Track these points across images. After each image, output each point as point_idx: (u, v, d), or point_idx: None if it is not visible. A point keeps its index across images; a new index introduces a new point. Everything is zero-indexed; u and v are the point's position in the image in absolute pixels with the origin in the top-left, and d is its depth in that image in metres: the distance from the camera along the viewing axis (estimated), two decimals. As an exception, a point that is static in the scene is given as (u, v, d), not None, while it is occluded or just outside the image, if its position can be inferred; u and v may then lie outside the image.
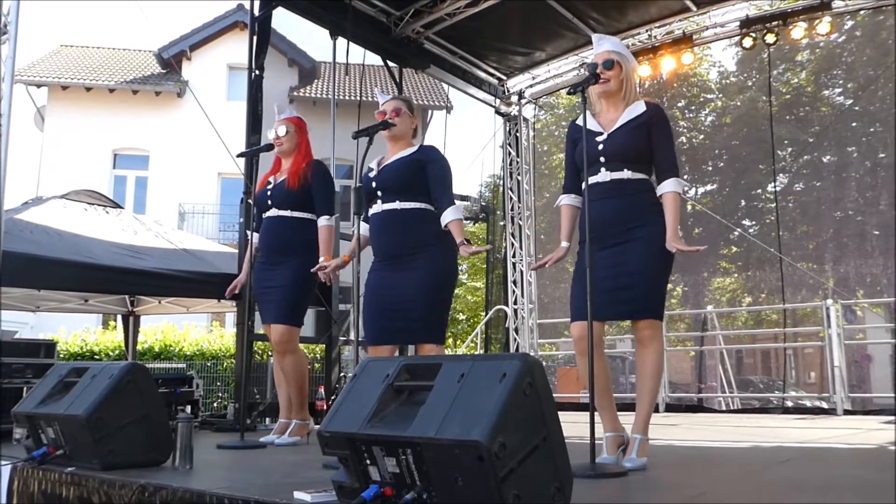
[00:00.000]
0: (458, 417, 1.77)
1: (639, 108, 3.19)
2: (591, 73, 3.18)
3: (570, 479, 1.89)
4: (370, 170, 3.73)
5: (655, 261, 3.08)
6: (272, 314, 4.32)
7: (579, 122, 3.33)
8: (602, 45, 3.27)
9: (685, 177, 11.88)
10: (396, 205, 3.56)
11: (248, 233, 4.63)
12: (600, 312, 3.04)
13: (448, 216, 3.53)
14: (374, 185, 3.63)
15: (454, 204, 3.58)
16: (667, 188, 3.14)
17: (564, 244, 3.37)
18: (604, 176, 3.14)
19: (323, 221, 4.31)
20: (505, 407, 1.74)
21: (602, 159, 3.14)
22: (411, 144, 3.75)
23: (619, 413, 3.20)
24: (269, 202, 4.38)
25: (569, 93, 3.17)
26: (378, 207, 3.61)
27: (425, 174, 3.60)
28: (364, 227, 3.74)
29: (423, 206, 3.58)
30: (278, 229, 4.35)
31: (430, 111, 17.73)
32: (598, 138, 3.18)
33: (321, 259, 4.19)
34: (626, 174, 3.12)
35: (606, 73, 3.18)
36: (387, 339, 3.59)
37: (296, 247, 4.30)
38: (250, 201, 5.43)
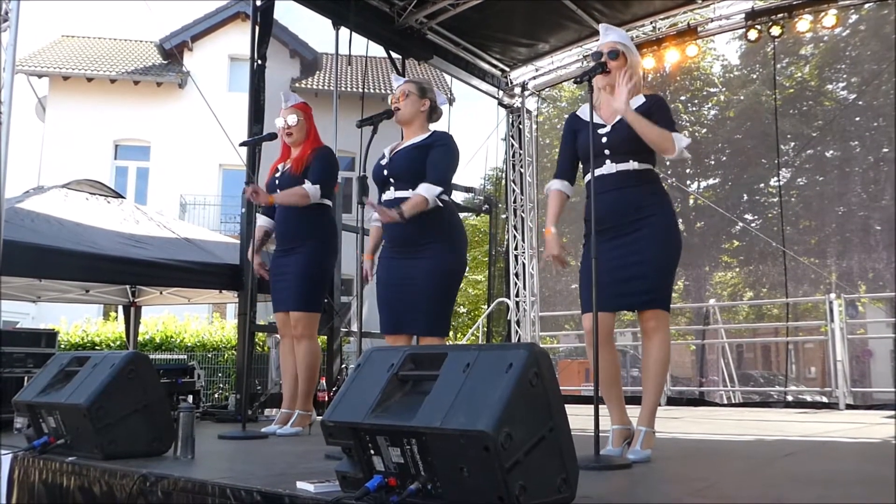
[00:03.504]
0: (464, 407, 1.75)
1: (639, 99, 3.15)
2: (597, 61, 3.14)
3: (576, 470, 1.87)
4: (382, 156, 3.68)
5: (663, 252, 3.05)
6: (288, 301, 4.30)
7: (579, 113, 3.30)
8: (608, 36, 3.24)
9: (688, 171, 11.85)
10: (409, 193, 3.50)
11: (255, 217, 4.57)
12: (609, 304, 3.02)
13: (419, 189, 3.43)
14: (385, 172, 3.60)
15: (434, 183, 3.44)
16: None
17: (553, 229, 3.25)
18: (609, 168, 3.10)
19: (307, 185, 4.21)
20: (511, 397, 1.72)
21: (606, 151, 3.10)
22: (425, 129, 3.69)
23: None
24: (278, 191, 4.36)
25: (576, 82, 3.13)
26: (391, 195, 3.57)
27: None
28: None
29: None
30: (289, 217, 4.33)
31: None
32: (601, 130, 3.14)
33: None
34: (632, 165, 3.08)
35: (611, 64, 3.14)
36: (400, 329, 3.58)
37: (307, 233, 4.28)
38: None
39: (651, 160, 3.15)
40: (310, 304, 4.33)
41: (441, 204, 3.53)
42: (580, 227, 3.25)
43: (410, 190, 3.50)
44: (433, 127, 3.76)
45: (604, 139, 3.12)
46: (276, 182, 4.38)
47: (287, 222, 4.36)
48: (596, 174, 3.10)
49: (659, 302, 3.06)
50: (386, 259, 3.64)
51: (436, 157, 3.54)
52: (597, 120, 3.16)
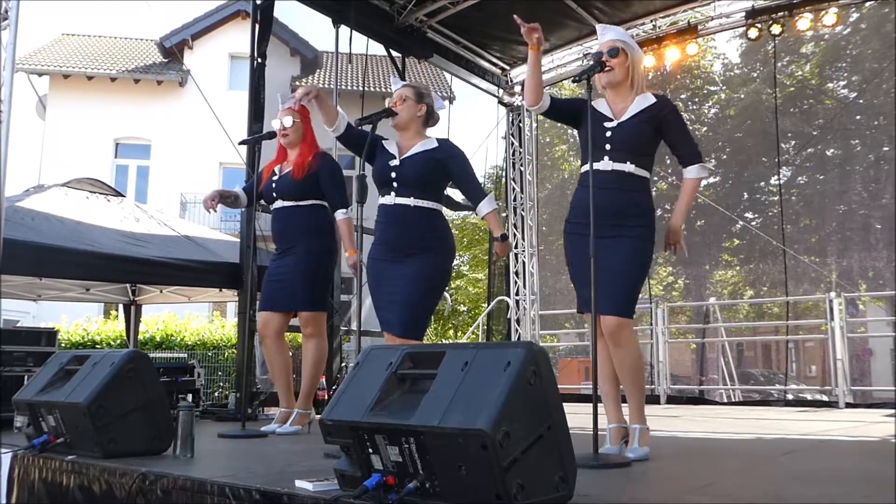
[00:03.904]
0: (462, 406, 1.76)
1: (648, 99, 3.14)
2: (597, 61, 3.13)
3: (574, 468, 1.88)
4: (391, 155, 3.63)
5: (634, 262, 3.04)
6: (294, 302, 4.28)
7: (594, 104, 3.21)
8: (606, 35, 3.23)
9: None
10: (410, 201, 3.53)
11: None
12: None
13: (484, 209, 3.59)
14: (393, 174, 3.58)
15: (487, 195, 3.62)
16: (689, 174, 3.16)
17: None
18: (606, 165, 3.07)
19: (340, 216, 4.25)
20: (509, 396, 1.72)
21: (608, 146, 3.08)
22: (422, 134, 3.70)
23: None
24: (275, 194, 4.35)
25: (574, 81, 3.13)
26: (391, 199, 3.57)
27: (447, 171, 3.61)
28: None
29: (434, 205, 3.59)
30: (287, 219, 4.32)
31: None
32: (608, 124, 3.12)
33: (346, 254, 4.15)
34: (628, 167, 3.06)
35: (612, 62, 3.13)
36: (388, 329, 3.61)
37: (305, 232, 4.26)
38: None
39: (647, 167, 3.13)
40: (317, 304, 4.33)
41: (438, 208, 3.62)
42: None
43: (413, 198, 3.53)
44: (430, 132, 3.77)
45: (608, 133, 3.10)
46: (273, 185, 4.36)
47: (284, 222, 4.34)
48: (592, 166, 3.09)
49: (622, 310, 3.01)
50: (373, 260, 3.65)
51: (464, 174, 3.66)
52: (607, 112, 3.17)
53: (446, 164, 3.60)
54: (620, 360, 3.06)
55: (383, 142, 3.70)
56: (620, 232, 3.03)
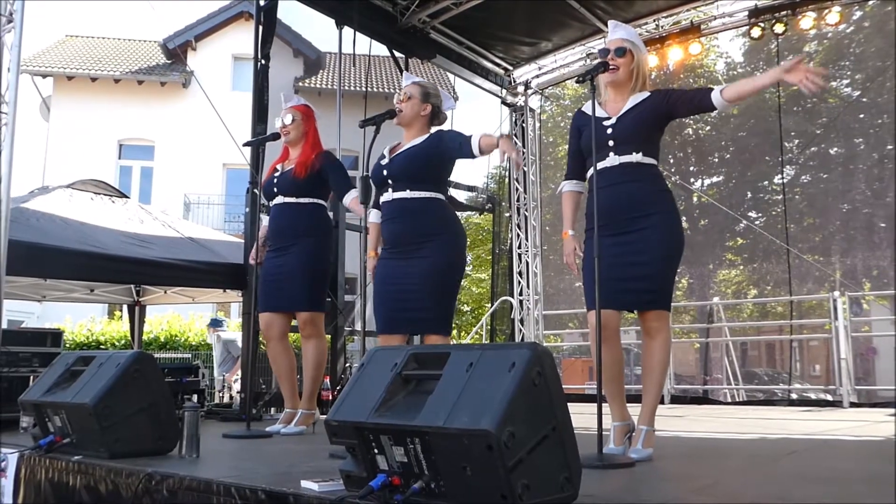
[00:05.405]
0: (467, 407, 1.76)
1: (642, 95, 3.15)
2: (602, 57, 3.15)
3: (578, 469, 1.88)
4: (382, 157, 3.69)
5: (664, 251, 3.04)
6: (292, 302, 4.28)
7: (584, 108, 3.28)
8: (616, 32, 3.23)
9: (691, 168, 11.84)
10: (406, 194, 3.54)
11: (258, 217, 4.59)
12: (613, 301, 3.02)
13: (474, 138, 3.44)
14: (384, 173, 3.60)
15: (472, 135, 3.46)
16: (717, 91, 3.01)
17: (570, 232, 3.31)
18: (612, 160, 3.09)
19: (353, 194, 4.15)
20: (514, 396, 1.73)
21: (611, 143, 3.09)
22: (425, 132, 3.68)
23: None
24: (275, 190, 4.35)
25: (578, 81, 3.13)
26: (388, 196, 3.59)
27: (439, 152, 3.55)
28: (375, 214, 3.74)
29: (432, 195, 3.55)
30: (286, 215, 4.31)
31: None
32: (606, 122, 3.13)
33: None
34: (635, 157, 3.07)
35: (617, 61, 3.14)
36: (395, 328, 3.59)
37: (305, 230, 4.26)
38: (256, 191, 5.43)
39: (654, 155, 3.14)
40: (315, 303, 4.33)
41: (438, 197, 3.57)
42: (584, 222, 3.26)
43: (409, 191, 3.53)
44: (432, 128, 3.77)
45: (609, 130, 3.11)
46: (275, 181, 4.37)
47: (280, 220, 4.33)
48: (599, 167, 3.08)
49: (661, 302, 3.06)
50: (383, 260, 3.66)
51: (455, 135, 3.57)
52: (602, 113, 3.17)
53: (437, 145, 3.56)
54: (654, 355, 3.08)
55: (382, 153, 3.72)
56: (644, 223, 3.04)
